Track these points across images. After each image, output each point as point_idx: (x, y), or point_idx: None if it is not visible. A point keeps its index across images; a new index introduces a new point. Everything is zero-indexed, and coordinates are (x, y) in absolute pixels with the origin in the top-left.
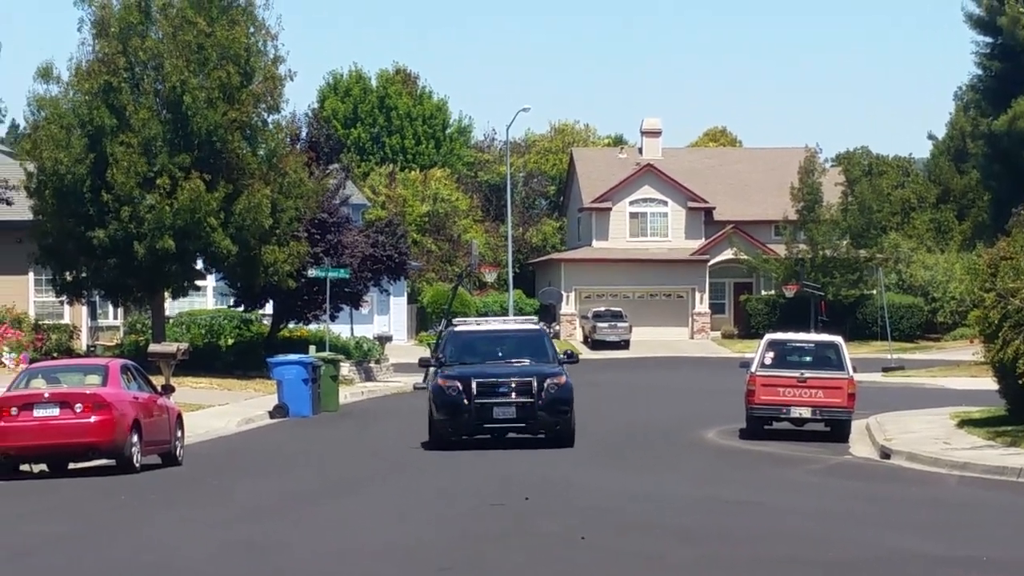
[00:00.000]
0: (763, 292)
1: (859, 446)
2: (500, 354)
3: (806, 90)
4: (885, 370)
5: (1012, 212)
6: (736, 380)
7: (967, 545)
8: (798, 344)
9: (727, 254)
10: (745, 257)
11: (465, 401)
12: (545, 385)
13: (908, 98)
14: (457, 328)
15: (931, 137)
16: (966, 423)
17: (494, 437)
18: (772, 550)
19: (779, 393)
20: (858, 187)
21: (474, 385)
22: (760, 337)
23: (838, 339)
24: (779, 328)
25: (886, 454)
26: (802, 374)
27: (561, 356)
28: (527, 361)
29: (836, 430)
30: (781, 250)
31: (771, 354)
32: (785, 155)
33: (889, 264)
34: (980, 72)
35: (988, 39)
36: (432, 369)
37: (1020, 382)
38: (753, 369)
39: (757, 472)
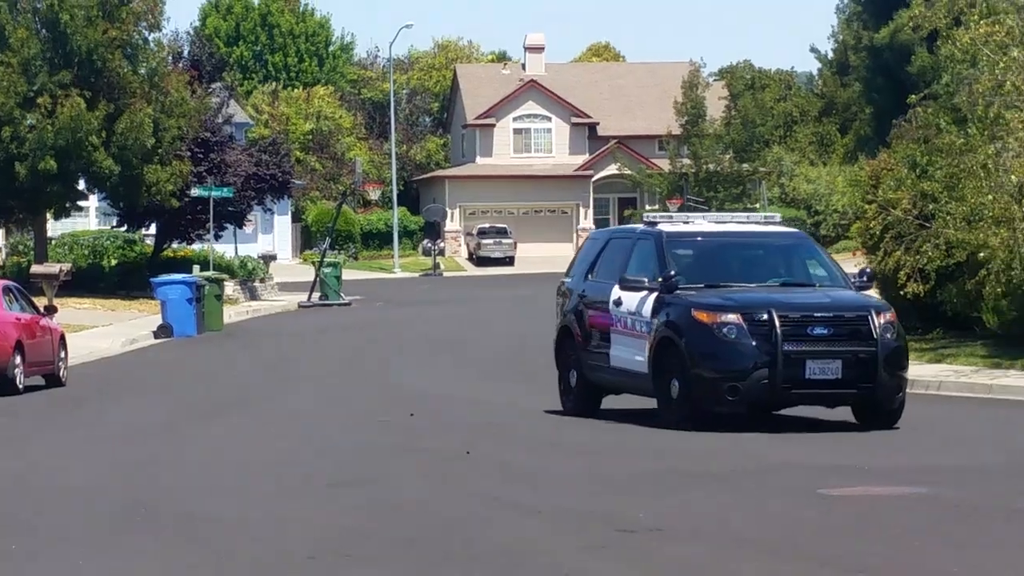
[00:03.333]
0: (647, 207)
1: None
2: (760, 273)
3: (689, 4)
4: None
5: (893, 124)
6: None
7: (848, 456)
8: None
9: (611, 169)
10: (629, 172)
11: (757, 348)
12: (880, 326)
13: (791, 12)
14: (674, 229)
15: (814, 50)
16: None
17: (807, 403)
18: (650, 463)
19: None
20: (741, 101)
21: (776, 320)
22: None
23: None
24: None
25: None
26: None
27: (853, 276)
28: (815, 286)
29: None
30: (665, 165)
31: None
32: (669, 70)
33: (772, 178)
34: None
35: None
36: (643, 296)
37: (902, 293)
38: None
39: None
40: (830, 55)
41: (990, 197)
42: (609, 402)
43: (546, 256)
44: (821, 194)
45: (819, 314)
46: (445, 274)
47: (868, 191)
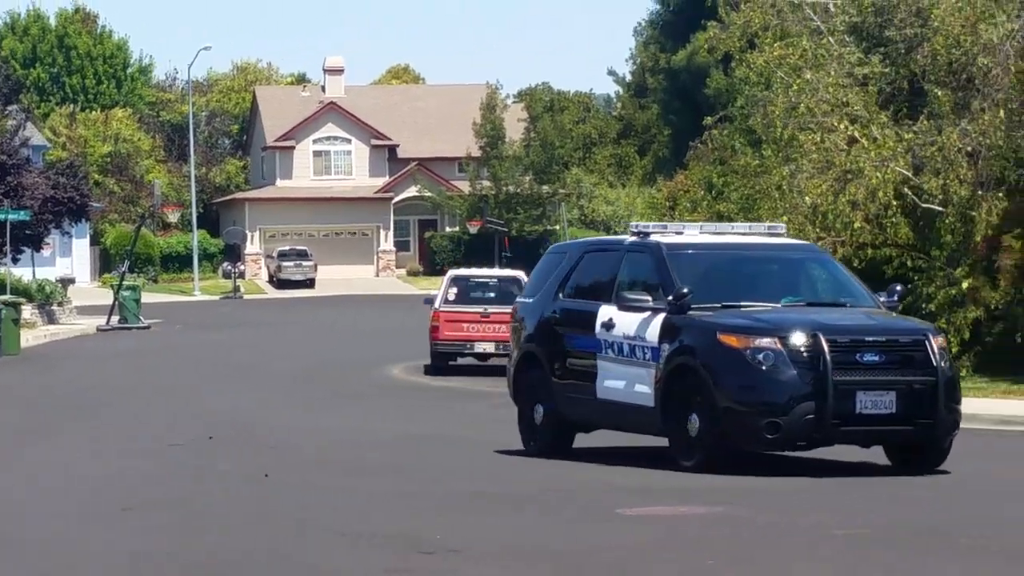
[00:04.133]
0: (448, 229)
1: None
2: (779, 290)
3: (487, 26)
4: None
5: (690, 146)
6: (421, 317)
7: (646, 475)
8: (481, 280)
9: (411, 191)
10: (429, 194)
11: (799, 378)
12: (939, 352)
13: (589, 34)
14: (674, 240)
15: (612, 73)
16: None
17: (856, 441)
18: (457, 484)
19: (463, 329)
20: (540, 123)
21: (825, 345)
22: (445, 274)
23: (520, 274)
24: (464, 264)
25: None
26: (485, 309)
27: (882, 295)
28: (846, 305)
29: None
30: (465, 187)
31: (455, 290)
32: (468, 92)
33: (572, 199)
34: (659, 7)
35: None
36: (646, 318)
37: None
38: (437, 305)
39: (442, 407)
40: (628, 77)
41: (785, 218)
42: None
43: (347, 278)
44: (620, 216)
45: (870, 338)
46: (245, 297)
47: (665, 213)
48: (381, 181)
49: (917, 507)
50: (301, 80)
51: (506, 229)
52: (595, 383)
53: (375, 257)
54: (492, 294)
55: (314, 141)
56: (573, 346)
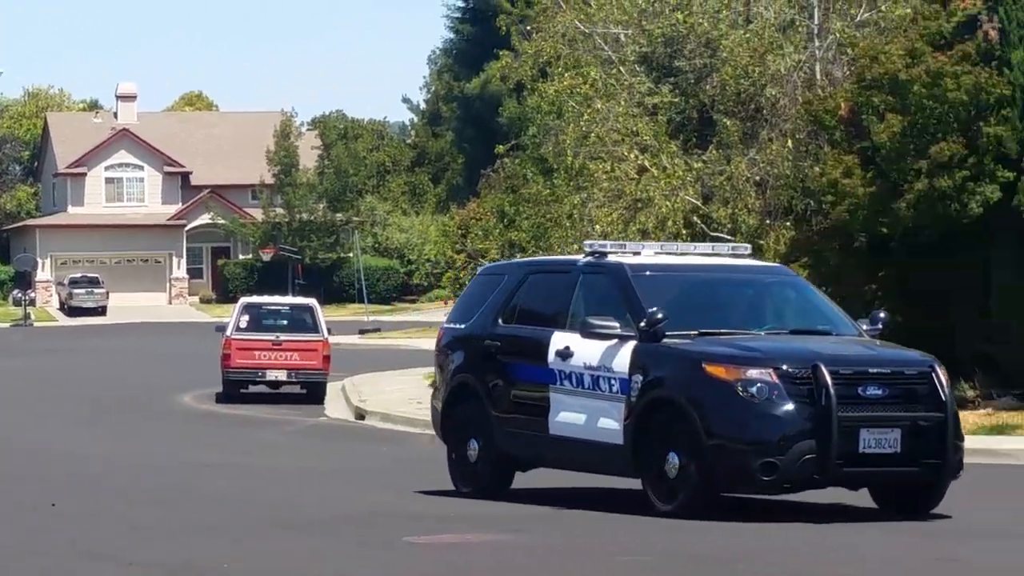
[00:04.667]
0: (241, 256)
1: (335, 408)
2: (757, 317)
3: (281, 54)
4: (362, 332)
5: (481, 174)
6: (213, 344)
7: (441, 503)
8: (273, 307)
9: (204, 219)
10: (222, 221)
11: (797, 413)
12: (946, 385)
13: (383, 62)
14: (636, 261)
15: (406, 101)
16: None
17: (856, 484)
18: (247, 511)
19: (255, 356)
20: (334, 151)
21: (828, 377)
22: (237, 301)
23: (312, 302)
24: (257, 292)
25: (361, 415)
26: (277, 337)
27: (864, 322)
28: (831, 333)
29: (312, 392)
30: (258, 214)
31: (246, 318)
32: (262, 119)
33: (365, 227)
34: (453, 36)
35: (460, 3)
36: (612, 346)
37: None
38: (228, 333)
39: (233, 435)
40: (423, 105)
41: (576, 246)
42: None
43: (140, 306)
44: (414, 243)
45: (874, 370)
46: (36, 324)
47: (458, 240)
48: (174, 208)
49: (701, 535)
50: (93, 106)
51: (299, 257)
52: (547, 417)
53: (168, 284)
54: (284, 322)
55: (106, 168)
56: (519, 377)
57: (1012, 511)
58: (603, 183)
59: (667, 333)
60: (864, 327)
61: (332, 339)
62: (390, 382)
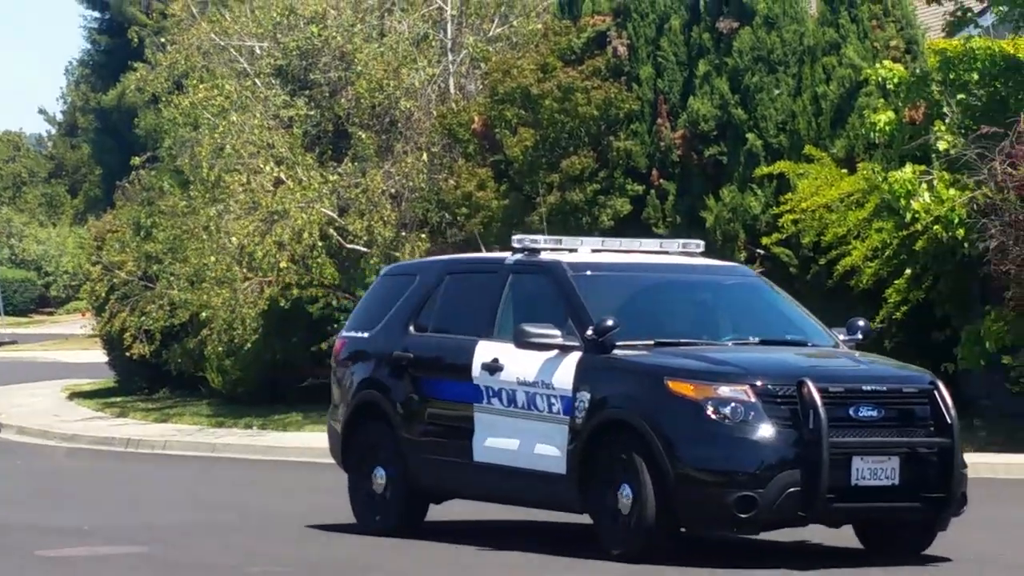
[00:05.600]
0: None
1: None
2: (718, 325)
3: None
4: None
5: (117, 185)
6: None
7: (70, 514)
8: None
9: None
10: None
11: (780, 438)
12: (951, 405)
13: (18, 72)
14: (576, 259)
15: (43, 111)
16: (77, 395)
17: (848, 521)
18: None
19: None
20: None
21: (817, 396)
22: None
23: None
24: None
25: None
26: None
27: (839, 331)
28: (807, 344)
29: None
30: None
31: None
32: None
33: (2, 239)
34: (90, 47)
35: (97, 14)
36: (552, 359)
37: (127, 354)
38: None
39: None
40: (60, 116)
41: (212, 258)
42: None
43: None
44: (51, 255)
45: (869, 387)
46: None
47: (93, 253)
48: None
49: (335, 544)
50: None
51: None
52: (471, 441)
53: None
54: None
55: None
56: (437, 394)
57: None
58: (239, 195)
59: (618, 343)
60: (841, 337)
61: None
62: (27, 394)
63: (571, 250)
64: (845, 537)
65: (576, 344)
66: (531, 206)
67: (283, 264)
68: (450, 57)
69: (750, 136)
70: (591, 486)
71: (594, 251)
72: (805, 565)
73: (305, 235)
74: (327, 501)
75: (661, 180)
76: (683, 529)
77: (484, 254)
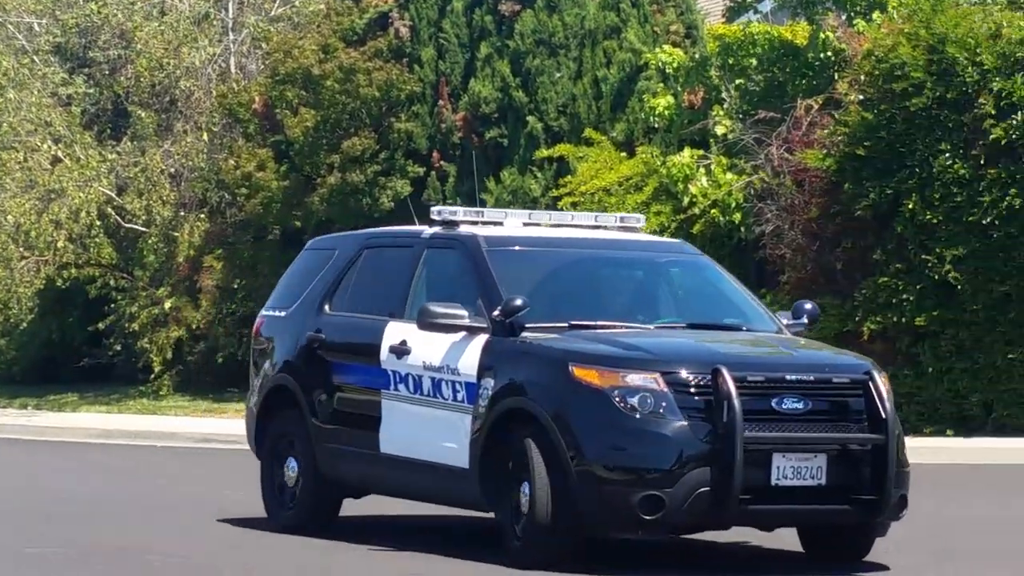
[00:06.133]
0: None
1: None
2: (647, 306)
3: None
4: None
5: None
6: None
7: None
8: None
9: None
10: None
11: (693, 432)
12: (887, 396)
13: None
14: (494, 233)
15: None
16: None
17: (767, 525)
18: None
19: None
20: None
21: (731, 385)
22: None
23: None
24: None
25: None
26: None
27: (781, 315)
28: (742, 328)
29: None
30: None
31: None
32: None
33: None
34: None
35: None
36: (458, 342)
37: None
38: None
39: None
40: None
41: None
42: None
43: None
44: None
45: (793, 376)
46: None
47: None
48: None
49: (107, 522)
50: None
51: None
52: (378, 432)
53: None
54: None
55: None
56: (346, 379)
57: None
58: (16, 173)
59: (527, 325)
60: (785, 321)
61: None
62: None
63: (496, 223)
64: (788, 541)
65: (484, 326)
66: (311, 187)
67: (60, 243)
68: (231, 36)
69: (531, 119)
70: (493, 482)
71: (525, 224)
72: (726, 572)
73: (83, 214)
74: (101, 483)
75: (442, 162)
76: (590, 532)
77: (402, 227)
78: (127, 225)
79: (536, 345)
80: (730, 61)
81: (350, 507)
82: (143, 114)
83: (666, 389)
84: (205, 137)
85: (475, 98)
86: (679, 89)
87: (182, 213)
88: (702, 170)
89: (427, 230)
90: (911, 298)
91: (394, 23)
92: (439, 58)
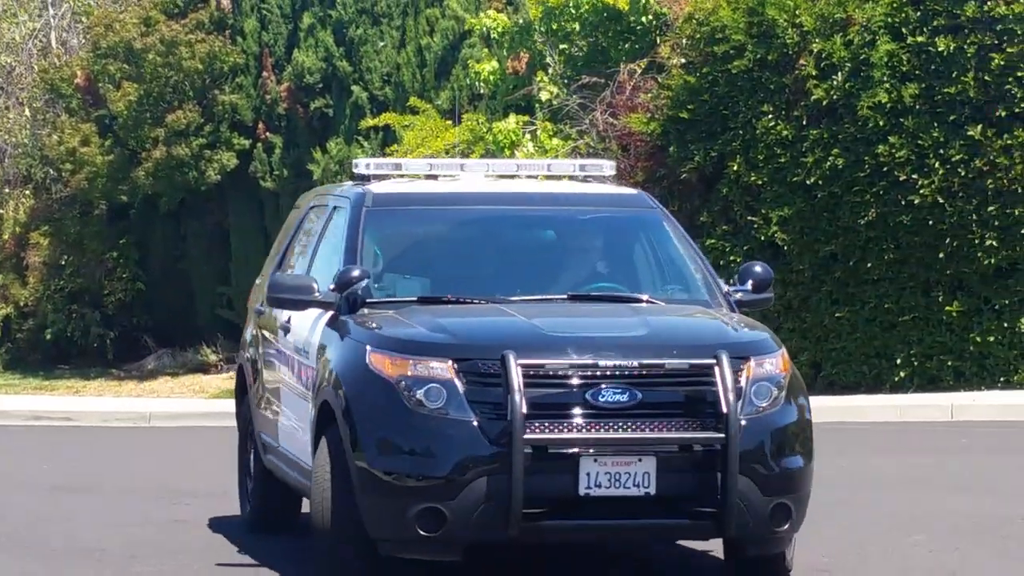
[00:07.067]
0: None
1: None
2: (548, 275)
3: None
4: None
5: None
6: None
7: None
8: None
9: None
10: None
11: (483, 432)
12: (742, 384)
13: None
14: (393, 189)
15: None
16: None
17: (578, 539)
18: None
19: None
20: None
21: (516, 373)
22: None
23: None
24: None
25: None
26: None
27: (729, 286)
28: (641, 300)
29: None
30: None
31: None
32: None
33: None
34: None
35: None
36: (315, 320)
37: None
38: None
39: None
40: None
41: None
42: None
43: None
44: None
45: (608, 362)
46: None
47: None
48: None
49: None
50: None
51: None
52: (279, 421)
53: None
54: None
55: None
56: (267, 357)
57: None
58: None
59: (368, 300)
60: (738, 292)
61: None
62: None
63: (431, 174)
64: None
65: (332, 301)
66: (137, 161)
67: None
68: (51, 11)
69: (355, 88)
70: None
71: (459, 176)
72: None
73: None
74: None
75: (267, 134)
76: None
77: (340, 184)
78: None
79: (348, 327)
80: (553, 26)
81: None
82: None
83: (455, 379)
84: (28, 113)
85: (299, 69)
86: (503, 55)
87: (7, 190)
88: (528, 136)
89: (346, 186)
90: (738, 259)
91: None
92: (262, 29)
